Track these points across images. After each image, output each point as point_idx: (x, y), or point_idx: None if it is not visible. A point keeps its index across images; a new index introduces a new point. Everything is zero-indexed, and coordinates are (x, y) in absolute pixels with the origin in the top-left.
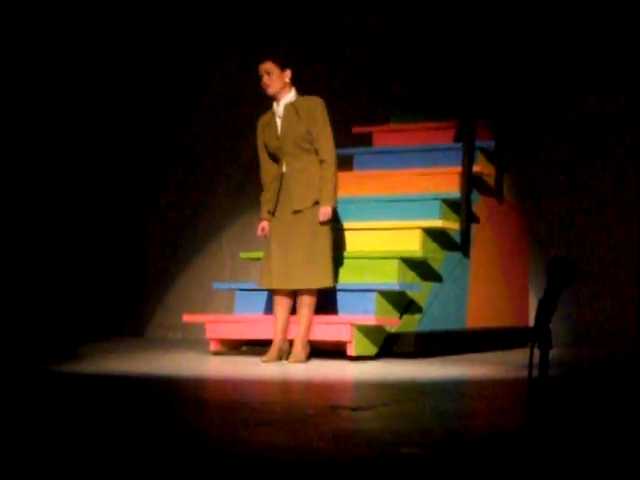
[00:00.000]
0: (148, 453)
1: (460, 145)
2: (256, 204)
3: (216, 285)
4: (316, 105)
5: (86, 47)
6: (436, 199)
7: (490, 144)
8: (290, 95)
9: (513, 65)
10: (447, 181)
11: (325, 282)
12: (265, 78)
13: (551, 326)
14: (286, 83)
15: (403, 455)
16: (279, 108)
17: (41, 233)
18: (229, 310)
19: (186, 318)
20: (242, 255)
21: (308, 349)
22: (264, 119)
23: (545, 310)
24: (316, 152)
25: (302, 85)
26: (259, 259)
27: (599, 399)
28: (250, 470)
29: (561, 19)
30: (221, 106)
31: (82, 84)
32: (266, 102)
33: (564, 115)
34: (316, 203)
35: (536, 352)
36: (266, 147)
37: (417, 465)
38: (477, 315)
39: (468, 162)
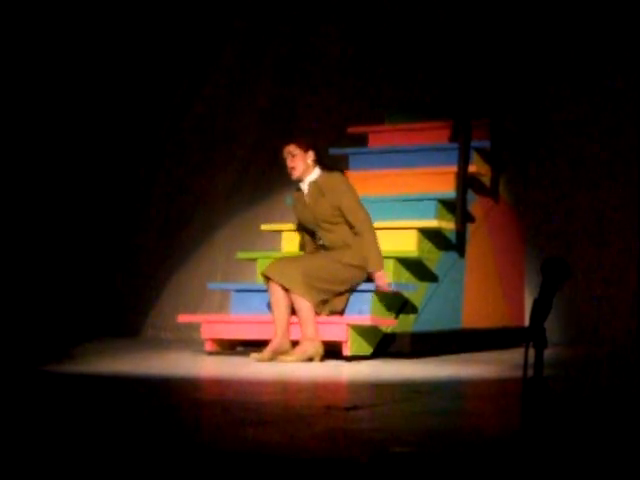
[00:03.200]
0: (143, 453)
1: (456, 145)
2: (250, 205)
3: (211, 285)
4: (337, 182)
5: (76, 54)
6: (432, 199)
7: (486, 144)
8: (314, 174)
9: (509, 64)
10: (443, 181)
11: (306, 296)
12: (289, 160)
13: (546, 325)
14: (309, 164)
15: (397, 455)
16: (304, 186)
17: (35, 234)
18: (222, 310)
19: (181, 318)
20: (239, 255)
21: (308, 349)
22: (295, 196)
23: (540, 310)
24: (350, 225)
25: (298, 86)
26: (255, 259)
27: (594, 398)
28: (245, 469)
29: (557, 17)
30: (215, 105)
31: (76, 85)
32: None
33: (561, 114)
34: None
35: (531, 351)
36: (301, 224)
37: (411, 465)
38: (473, 315)
39: (464, 162)
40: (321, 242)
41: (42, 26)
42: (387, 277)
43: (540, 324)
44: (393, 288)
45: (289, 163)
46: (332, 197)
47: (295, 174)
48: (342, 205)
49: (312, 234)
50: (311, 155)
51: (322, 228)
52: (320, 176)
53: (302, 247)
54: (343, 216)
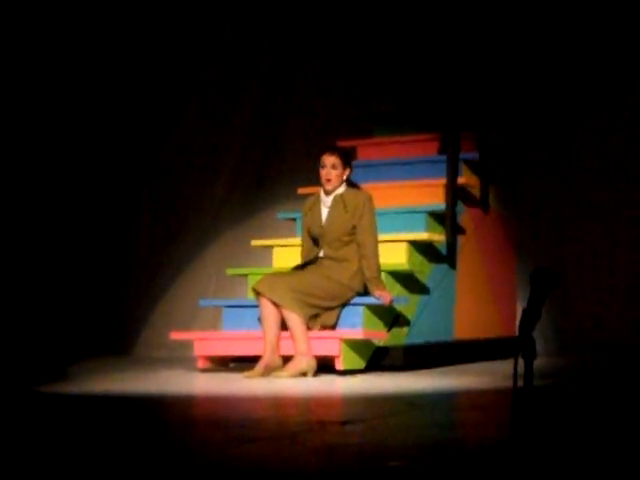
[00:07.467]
0: (137, 472)
1: (444, 157)
2: (239, 221)
3: (203, 302)
4: (364, 201)
5: (64, 66)
6: (421, 212)
7: (474, 155)
8: (341, 188)
9: (496, 76)
10: (432, 193)
11: (295, 310)
12: (328, 170)
13: (540, 335)
14: (343, 180)
15: (392, 468)
16: (327, 198)
17: (26, 253)
18: (214, 327)
19: (173, 335)
20: (229, 271)
21: (301, 364)
22: (308, 203)
23: (528, 320)
24: (357, 244)
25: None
26: (245, 275)
27: (584, 408)
28: None
29: (545, 29)
30: (202, 122)
31: (61, 105)
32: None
33: (549, 124)
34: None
35: (521, 362)
36: (308, 231)
37: (406, 478)
38: (465, 326)
39: (452, 174)
40: (321, 254)
41: (40, 36)
42: (388, 292)
43: (528, 334)
44: (393, 300)
45: (326, 174)
46: (354, 214)
47: (329, 186)
48: (360, 223)
49: (315, 242)
50: (347, 173)
51: (329, 244)
52: (347, 191)
53: (302, 254)
54: (355, 235)
